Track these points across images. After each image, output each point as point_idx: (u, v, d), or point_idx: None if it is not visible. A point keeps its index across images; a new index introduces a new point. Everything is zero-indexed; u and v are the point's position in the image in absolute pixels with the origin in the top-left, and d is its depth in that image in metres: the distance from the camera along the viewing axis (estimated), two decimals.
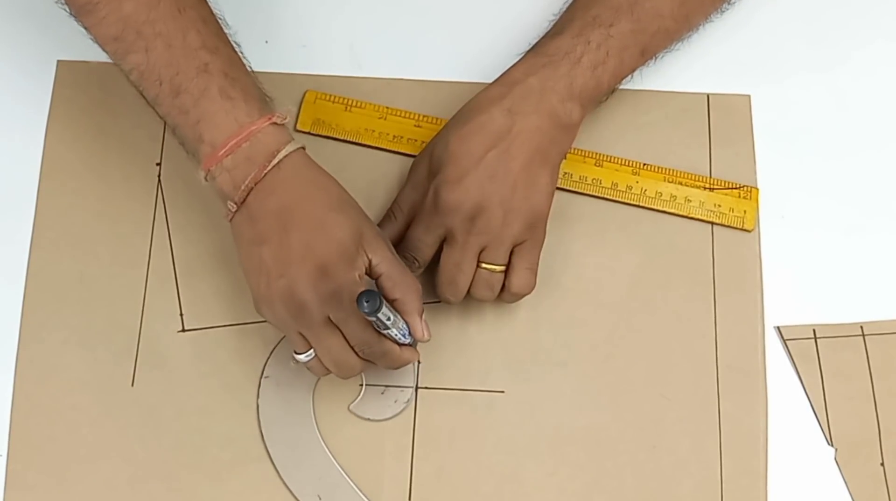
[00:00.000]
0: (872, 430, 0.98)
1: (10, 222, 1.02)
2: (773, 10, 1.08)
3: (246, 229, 0.89)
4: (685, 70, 1.07)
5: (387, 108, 1.05)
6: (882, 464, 0.97)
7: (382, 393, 0.98)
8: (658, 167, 1.03)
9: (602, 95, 0.98)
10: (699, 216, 1.02)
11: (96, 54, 1.03)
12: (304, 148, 0.90)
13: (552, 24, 1.00)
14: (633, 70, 0.99)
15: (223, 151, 0.87)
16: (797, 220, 1.03)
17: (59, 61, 1.07)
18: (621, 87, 1.04)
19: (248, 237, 0.89)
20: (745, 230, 1.02)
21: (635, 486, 0.96)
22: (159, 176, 1.04)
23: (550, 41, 0.96)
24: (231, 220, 0.90)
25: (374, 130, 1.04)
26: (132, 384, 0.98)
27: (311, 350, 0.90)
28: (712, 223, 1.02)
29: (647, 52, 0.99)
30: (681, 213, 1.03)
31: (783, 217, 1.03)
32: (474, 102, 0.96)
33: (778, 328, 1.00)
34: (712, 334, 1.00)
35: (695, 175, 1.03)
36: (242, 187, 0.87)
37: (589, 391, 0.99)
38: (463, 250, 0.93)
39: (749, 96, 1.06)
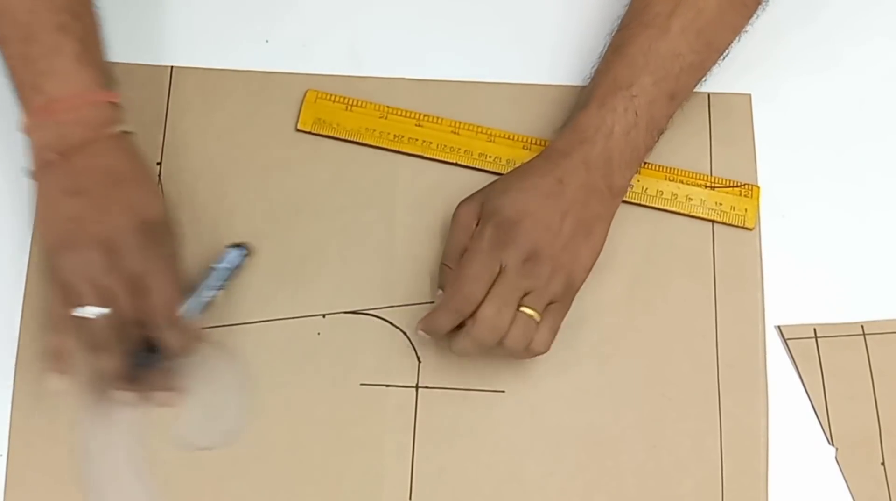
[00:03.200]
0: (873, 429, 0.98)
1: (10, 222, 1.02)
2: (774, 9, 1.08)
3: (62, 180, 0.91)
4: None
5: (387, 107, 1.05)
6: (883, 464, 0.97)
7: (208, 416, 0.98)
8: (659, 166, 1.03)
9: (642, 154, 0.98)
10: (700, 215, 1.02)
11: None
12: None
13: (581, 89, 1.02)
14: (670, 116, 0.99)
15: (62, 105, 0.90)
16: (798, 219, 1.03)
17: None
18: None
19: (62, 187, 0.91)
20: (746, 229, 1.02)
21: (636, 485, 0.96)
22: (160, 175, 1.03)
23: (581, 115, 0.97)
24: (40, 169, 0.92)
25: (374, 130, 1.04)
26: None
27: (107, 308, 0.89)
28: (713, 222, 1.02)
29: (679, 95, 0.98)
30: (682, 211, 1.02)
31: (784, 216, 1.03)
32: (524, 168, 0.97)
33: (778, 327, 1.00)
34: (713, 333, 1.00)
35: (696, 173, 1.03)
36: (74, 143, 0.91)
37: (589, 390, 0.99)
38: (511, 288, 0.92)
39: (749, 95, 1.06)
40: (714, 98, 1.06)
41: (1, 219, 1.02)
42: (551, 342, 0.95)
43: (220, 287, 0.98)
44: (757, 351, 1.00)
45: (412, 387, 0.98)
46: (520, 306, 0.93)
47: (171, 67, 1.07)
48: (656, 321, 1.00)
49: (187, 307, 0.95)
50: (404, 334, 0.99)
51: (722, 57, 1.01)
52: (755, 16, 1.02)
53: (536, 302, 0.93)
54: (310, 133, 1.04)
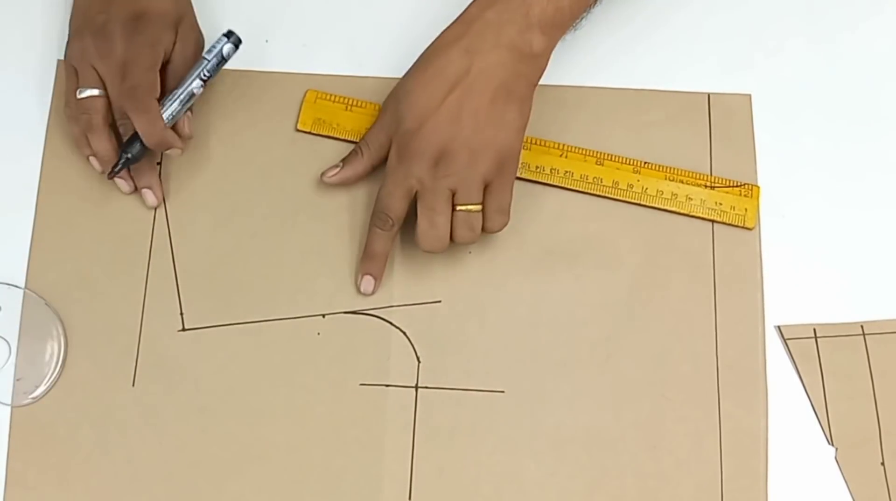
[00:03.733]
0: (873, 430, 0.98)
1: (10, 222, 1.02)
2: (774, 9, 1.08)
3: None
4: (686, 69, 1.07)
5: None
6: (882, 464, 0.97)
7: (18, 380, 0.98)
8: (659, 166, 1.03)
9: (565, 19, 0.97)
10: (700, 215, 1.02)
11: None
12: None
13: None
14: None
15: None
16: (798, 219, 1.03)
17: (59, 61, 1.07)
18: (622, 86, 1.05)
19: None
20: (746, 228, 1.02)
21: (636, 486, 0.96)
22: (159, 175, 1.03)
23: None
24: None
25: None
26: (133, 384, 0.98)
27: (98, 89, 0.97)
28: (713, 222, 1.02)
29: None
30: (682, 211, 1.02)
31: (784, 216, 1.03)
32: (433, 46, 0.97)
33: (778, 327, 1.00)
34: (712, 333, 1.00)
35: (696, 173, 1.03)
36: None
37: (589, 390, 0.98)
38: (434, 195, 0.94)
39: (749, 96, 1.06)
40: (714, 98, 1.06)
41: (1, 219, 1.03)
42: (505, 219, 0.97)
43: (207, 78, 1.00)
44: (757, 352, 1.00)
45: (412, 387, 0.98)
46: (455, 205, 0.94)
47: None
48: (656, 322, 1.00)
49: (173, 97, 0.98)
50: (404, 334, 0.99)
51: None
52: None
53: (467, 195, 0.94)
54: (310, 133, 1.04)
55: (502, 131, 0.94)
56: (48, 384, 0.97)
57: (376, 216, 0.97)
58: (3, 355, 0.99)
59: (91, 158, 1.00)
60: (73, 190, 1.03)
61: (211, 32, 1.06)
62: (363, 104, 1.04)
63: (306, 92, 1.05)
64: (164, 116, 0.97)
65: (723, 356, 0.99)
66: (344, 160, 1.01)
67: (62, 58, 1.05)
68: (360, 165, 1.00)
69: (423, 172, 0.94)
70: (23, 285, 1.00)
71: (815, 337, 1.00)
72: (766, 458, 0.97)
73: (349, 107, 1.04)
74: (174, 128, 0.99)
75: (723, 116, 1.06)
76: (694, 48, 1.08)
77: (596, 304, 1.00)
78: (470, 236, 0.96)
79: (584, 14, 0.99)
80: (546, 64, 0.97)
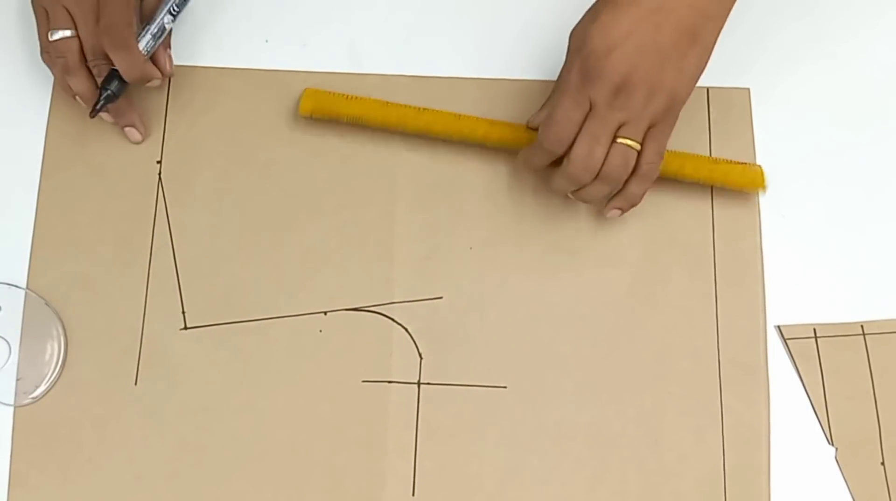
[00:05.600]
0: (873, 429, 0.98)
1: (10, 222, 1.02)
2: (773, 3, 1.08)
3: None
4: None
5: (387, 101, 1.04)
6: (882, 463, 0.97)
7: (19, 380, 0.98)
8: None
9: None
10: (706, 179, 1.02)
11: None
12: None
13: None
14: None
15: None
16: (798, 218, 1.03)
17: None
18: None
19: None
20: (756, 190, 1.03)
21: (638, 481, 0.96)
22: (160, 174, 1.03)
23: None
24: None
25: (376, 116, 1.04)
26: (135, 383, 0.98)
27: (70, 30, 0.98)
28: (718, 189, 1.04)
29: None
30: (688, 177, 1.03)
31: (783, 216, 1.03)
32: None
33: (778, 327, 1.00)
34: (714, 328, 1.00)
35: (699, 155, 1.04)
36: None
37: (591, 386, 0.99)
38: (603, 123, 0.92)
39: (748, 90, 1.07)
40: (713, 93, 1.06)
41: (1, 219, 1.03)
42: (659, 164, 0.96)
43: (177, 12, 1.02)
44: (758, 346, 1.00)
45: (414, 384, 0.98)
46: (617, 137, 0.93)
47: None
48: (657, 317, 1.00)
49: (145, 32, 1.00)
50: (406, 330, 0.99)
51: None
52: None
53: (634, 131, 0.93)
54: (310, 118, 1.04)
55: (680, 76, 0.92)
56: (48, 384, 0.97)
57: (547, 137, 0.95)
58: (3, 355, 0.98)
59: (77, 98, 1.01)
60: (74, 190, 1.03)
61: (212, 33, 1.06)
62: (363, 100, 1.04)
63: (304, 90, 1.05)
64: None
65: (724, 350, 0.99)
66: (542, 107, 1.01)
67: None
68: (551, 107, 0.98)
69: (601, 97, 0.91)
70: (23, 286, 1.00)
71: (815, 337, 1.00)
72: (768, 452, 0.97)
73: (349, 100, 1.04)
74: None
75: (722, 110, 1.06)
76: None
77: (597, 299, 1.01)
78: (621, 173, 0.94)
79: None
80: (730, 11, 0.96)
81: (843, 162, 1.05)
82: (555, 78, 1.03)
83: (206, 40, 1.07)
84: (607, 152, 0.93)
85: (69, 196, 1.03)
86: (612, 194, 0.98)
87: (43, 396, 0.97)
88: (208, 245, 1.02)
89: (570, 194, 0.98)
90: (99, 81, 0.99)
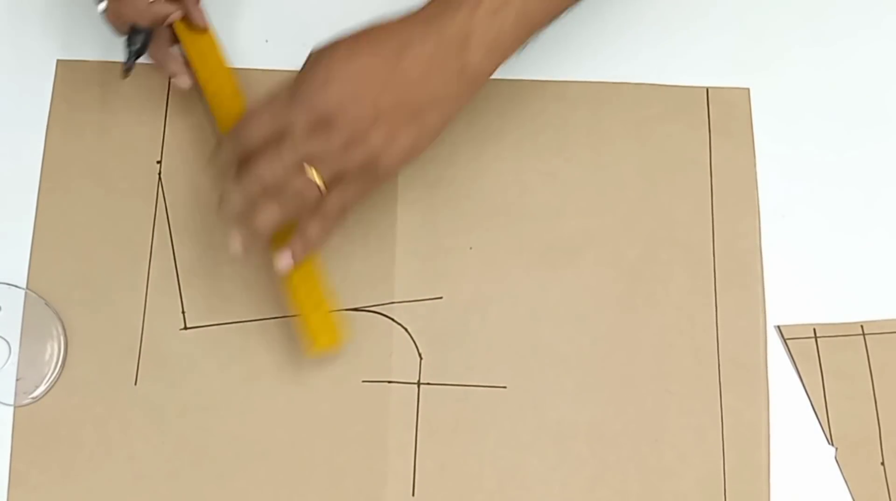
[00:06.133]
0: (873, 429, 0.98)
1: (10, 221, 1.02)
2: (773, 3, 1.09)
3: None
4: (684, 63, 1.07)
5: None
6: (882, 463, 0.97)
7: (18, 380, 0.98)
8: None
9: (507, 43, 0.91)
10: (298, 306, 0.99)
11: (96, 54, 1.04)
12: None
13: None
14: (548, 15, 0.93)
15: None
16: (797, 219, 1.03)
17: (58, 61, 1.07)
18: (620, 80, 1.06)
19: None
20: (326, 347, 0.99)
21: (638, 480, 0.96)
22: (160, 174, 1.04)
23: None
24: None
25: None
26: (135, 383, 0.98)
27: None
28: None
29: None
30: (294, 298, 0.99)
31: (783, 216, 1.03)
32: (378, 25, 0.91)
33: (778, 327, 1.00)
34: (713, 328, 1.00)
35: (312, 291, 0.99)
36: None
37: (591, 385, 0.99)
38: (294, 146, 0.88)
39: (748, 90, 1.07)
40: (713, 92, 1.06)
41: (1, 219, 1.03)
42: (338, 215, 0.91)
43: None
44: (758, 346, 1.00)
45: (414, 384, 0.98)
46: (306, 165, 0.88)
47: None
48: (657, 316, 1.00)
49: None
50: (406, 330, 0.99)
51: None
52: None
53: (323, 169, 0.88)
54: None
55: (389, 143, 0.89)
56: (48, 384, 0.97)
57: (232, 139, 0.92)
58: (3, 355, 0.98)
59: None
60: (74, 190, 1.03)
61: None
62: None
63: None
64: None
65: (724, 349, 0.99)
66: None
67: (61, 58, 1.06)
68: None
69: (300, 121, 0.87)
70: (23, 286, 1.00)
71: (815, 337, 1.00)
72: (767, 451, 0.97)
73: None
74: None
75: (722, 110, 1.06)
76: (693, 42, 1.08)
77: (597, 298, 1.01)
78: (296, 198, 0.89)
79: (530, 39, 0.94)
80: (477, 90, 0.92)
81: (843, 162, 1.05)
82: (557, 78, 1.04)
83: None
84: (289, 175, 0.88)
85: (69, 196, 1.03)
86: (282, 224, 0.91)
87: (43, 396, 0.97)
88: (208, 245, 1.02)
89: (241, 230, 0.91)
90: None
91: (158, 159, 1.04)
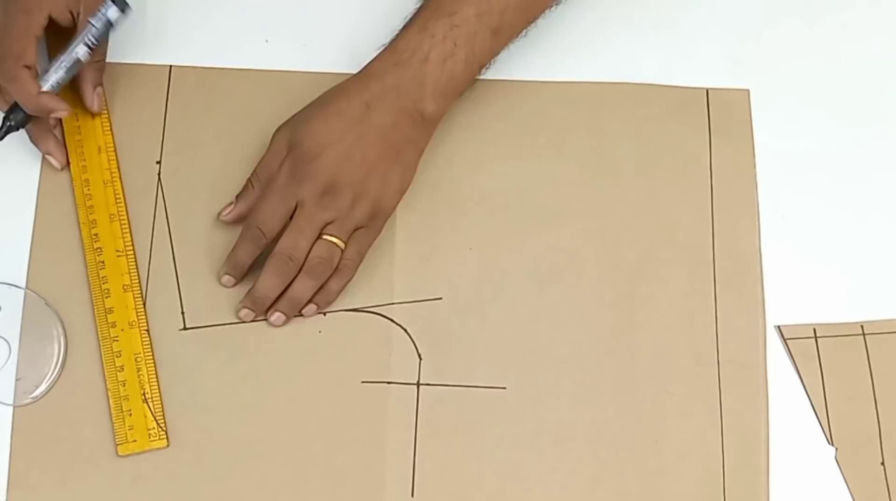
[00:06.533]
0: (873, 429, 0.98)
1: (10, 222, 1.02)
2: (773, 5, 1.09)
3: None
4: (684, 64, 1.08)
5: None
6: (882, 463, 0.97)
7: (18, 380, 0.98)
8: None
9: (459, 85, 0.99)
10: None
11: None
12: None
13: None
14: (493, 53, 1.00)
15: None
16: (798, 219, 1.04)
17: None
18: (621, 81, 1.06)
19: None
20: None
21: (638, 481, 0.96)
22: (159, 174, 1.03)
23: (401, 37, 0.98)
24: None
25: None
26: None
27: None
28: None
29: (502, 33, 0.99)
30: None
31: (784, 216, 1.03)
32: (336, 90, 0.99)
33: (778, 327, 1.00)
34: (713, 328, 1.00)
35: None
36: None
37: (590, 386, 0.99)
38: (310, 220, 0.96)
39: (748, 90, 1.07)
40: (713, 93, 1.07)
41: (1, 219, 1.03)
42: (357, 264, 0.99)
43: (92, 45, 1.00)
44: (758, 347, 1.00)
45: (413, 384, 0.98)
46: (322, 234, 0.96)
47: (170, 66, 1.07)
48: (657, 317, 1.00)
49: (57, 63, 0.99)
50: (405, 331, 0.99)
51: (555, 2, 1.02)
52: None
53: (339, 230, 0.96)
54: None
55: (385, 187, 0.97)
56: (48, 384, 0.97)
57: (251, 231, 0.97)
58: (3, 355, 0.98)
59: None
60: (74, 190, 1.03)
61: (212, 33, 1.06)
62: None
63: None
64: (49, 82, 0.99)
65: (724, 350, 0.99)
66: (238, 196, 1.01)
67: None
68: (252, 197, 1.00)
69: (309, 196, 0.95)
70: (23, 286, 1.00)
71: (815, 337, 1.00)
72: (767, 452, 0.97)
73: None
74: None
75: (721, 111, 1.06)
76: (692, 43, 1.09)
77: (596, 299, 1.01)
78: (324, 265, 0.97)
79: (479, 75, 1.01)
80: (435, 128, 1.01)
81: (843, 162, 1.05)
82: (557, 78, 1.04)
83: (206, 40, 1.07)
84: (311, 246, 0.97)
85: (69, 198, 1.03)
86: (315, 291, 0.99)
87: (43, 396, 0.97)
88: (208, 245, 1.02)
89: (279, 309, 0.99)
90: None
91: (158, 159, 1.04)
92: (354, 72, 1.05)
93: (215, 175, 1.04)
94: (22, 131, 1.01)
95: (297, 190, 0.95)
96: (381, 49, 0.99)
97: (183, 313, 1.00)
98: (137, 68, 1.06)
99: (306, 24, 1.09)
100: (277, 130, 0.99)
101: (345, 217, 0.96)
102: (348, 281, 0.99)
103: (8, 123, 0.99)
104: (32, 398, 0.97)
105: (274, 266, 0.96)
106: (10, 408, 0.97)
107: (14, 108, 0.99)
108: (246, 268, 0.99)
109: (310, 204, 0.95)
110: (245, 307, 0.98)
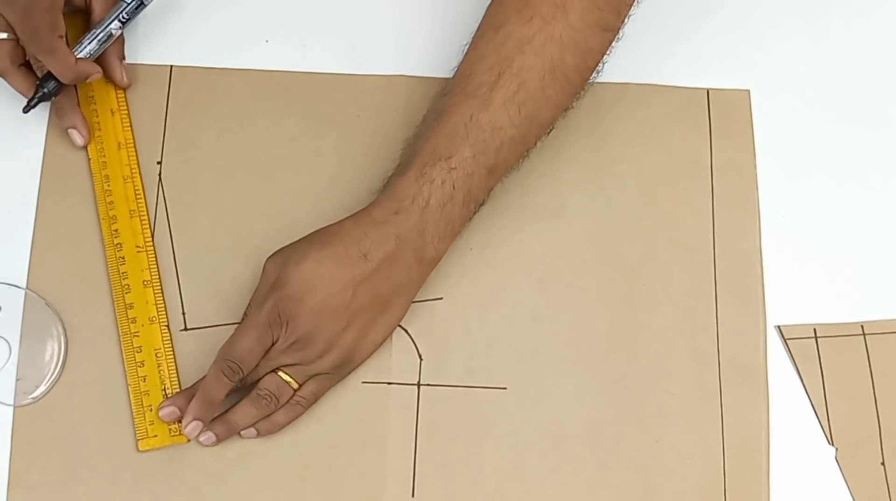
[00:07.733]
0: (873, 429, 0.98)
1: (10, 222, 1.02)
2: (773, 5, 1.09)
3: None
4: (685, 65, 1.08)
5: None
6: (882, 463, 0.98)
7: (18, 380, 0.98)
8: None
9: (457, 227, 0.97)
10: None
11: None
12: None
13: (402, 154, 1.00)
14: (488, 190, 0.98)
15: None
16: (798, 219, 1.04)
17: None
18: (621, 81, 1.06)
19: None
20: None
21: (638, 481, 0.96)
22: (160, 174, 1.03)
23: (399, 182, 0.95)
24: None
25: None
26: None
27: (5, 33, 0.99)
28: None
29: (498, 169, 0.97)
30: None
31: (784, 216, 1.03)
32: (335, 230, 0.95)
33: (779, 327, 1.00)
34: (714, 328, 1.00)
35: None
36: None
37: (591, 386, 0.99)
38: (271, 358, 0.95)
39: (748, 91, 1.07)
40: (713, 94, 1.07)
41: (1, 219, 1.03)
42: (311, 403, 0.97)
43: (126, 20, 1.03)
44: (758, 347, 1.00)
45: (414, 385, 0.98)
46: (279, 370, 0.95)
47: (171, 66, 1.07)
48: (657, 317, 1.00)
49: (91, 36, 1.02)
50: (406, 331, 0.99)
51: (545, 132, 1.00)
52: (580, 94, 1.00)
53: (298, 374, 0.95)
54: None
55: (362, 339, 0.96)
56: (48, 384, 0.97)
57: (225, 364, 0.94)
58: (3, 355, 0.98)
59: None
60: (74, 190, 1.03)
61: (212, 33, 1.06)
62: None
63: None
64: (81, 54, 1.01)
65: (724, 350, 0.99)
66: (239, 326, 0.98)
67: None
68: None
69: (281, 341, 0.94)
70: (24, 286, 1.00)
71: (815, 337, 1.00)
72: (767, 452, 0.97)
73: None
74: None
75: (722, 112, 1.06)
76: (693, 43, 1.09)
77: (597, 299, 1.01)
78: (268, 400, 0.95)
79: (475, 212, 0.99)
80: (431, 270, 0.99)
81: (843, 162, 1.05)
82: None
83: (207, 40, 1.07)
84: (263, 379, 0.96)
85: (69, 197, 1.03)
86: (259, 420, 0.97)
87: (43, 396, 0.97)
88: (208, 246, 1.02)
89: (213, 430, 0.96)
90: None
91: (158, 159, 1.04)
92: (354, 72, 1.06)
93: (215, 175, 1.04)
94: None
95: (275, 331, 0.93)
96: (381, 192, 0.97)
97: (183, 313, 1.00)
98: (138, 68, 1.06)
99: (306, 24, 1.09)
100: (270, 258, 0.96)
101: (309, 364, 0.95)
102: (297, 417, 0.97)
103: (43, 90, 1.00)
104: (32, 398, 0.97)
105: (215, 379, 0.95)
106: (10, 408, 0.97)
107: (47, 76, 1.00)
108: (218, 408, 0.96)
109: (278, 349, 0.94)
110: (188, 424, 0.95)
